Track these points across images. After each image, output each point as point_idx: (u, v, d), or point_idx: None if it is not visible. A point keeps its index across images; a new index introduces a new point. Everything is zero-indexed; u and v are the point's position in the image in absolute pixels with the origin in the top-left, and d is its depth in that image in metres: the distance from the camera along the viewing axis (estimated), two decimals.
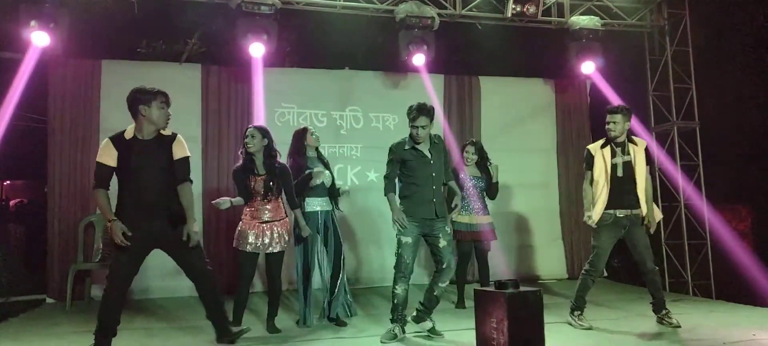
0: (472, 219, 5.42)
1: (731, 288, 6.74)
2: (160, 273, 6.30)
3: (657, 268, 4.60)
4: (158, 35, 8.12)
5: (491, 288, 2.92)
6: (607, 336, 4.25)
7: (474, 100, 7.38)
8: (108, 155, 3.61)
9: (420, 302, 4.24)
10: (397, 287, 4.10)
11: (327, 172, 4.85)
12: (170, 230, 3.63)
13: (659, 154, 7.34)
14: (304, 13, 6.70)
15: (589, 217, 4.47)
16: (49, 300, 6.02)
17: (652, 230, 4.54)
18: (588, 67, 6.99)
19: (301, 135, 4.92)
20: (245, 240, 4.39)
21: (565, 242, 7.48)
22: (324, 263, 4.84)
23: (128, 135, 3.68)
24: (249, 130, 4.59)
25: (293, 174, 4.68)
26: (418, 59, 6.51)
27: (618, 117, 4.48)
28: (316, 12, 6.69)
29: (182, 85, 6.60)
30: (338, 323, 4.76)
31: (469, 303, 5.33)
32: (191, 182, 3.74)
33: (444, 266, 4.14)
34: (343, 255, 4.86)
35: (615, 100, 6.92)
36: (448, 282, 4.18)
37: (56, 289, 6.00)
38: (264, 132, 4.58)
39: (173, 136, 3.74)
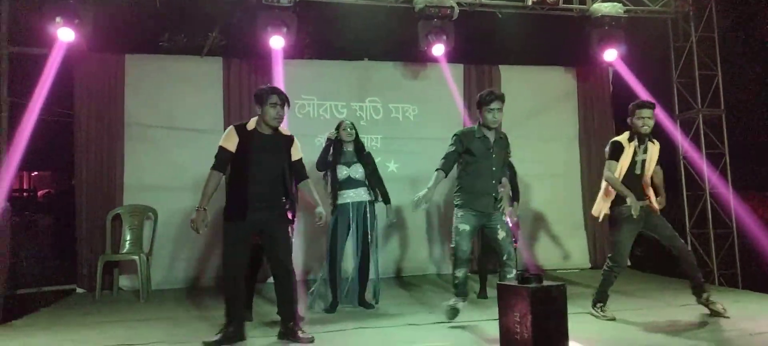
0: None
1: (758, 277, 6.65)
2: (186, 263, 6.44)
3: (689, 247, 4.54)
4: (180, 29, 8.20)
5: (514, 282, 2.93)
6: (630, 327, 4.22)
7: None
8: (230, 141, 3.80)
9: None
10: (457, 271, 4.26)
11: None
12: (271, 222, 3.82)
13: (684, 143, 7.24)
14: (323, 5, 6.70)
15: (632, 206, 4.25)
16: (78, 290, 6.18)
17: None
18: (610, 55, 6.89)
19: (337, 129, 5.10)
20: None
21: (587, 231, 7.44)
22: (353, 253, 4.96)
23: (250, 126, 3.87)
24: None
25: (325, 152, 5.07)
26: (438, 49, 6.49)
27: (652, 112, 4.38)
28: (334, 3, 6.69)
29: (204, 78, 6.69)
30: (367, 307, 4.96)
31: (491, 292, 5.36)
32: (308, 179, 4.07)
33: (505, 258, 4.22)
34: (376, 244, 4.99)
35: (638, 88, 6.84)
36: (514, 273, 4.19)
37: (85, 279, 6.16)
38: None
39: (292, 138, 4.00)
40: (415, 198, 4.14)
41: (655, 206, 4.44)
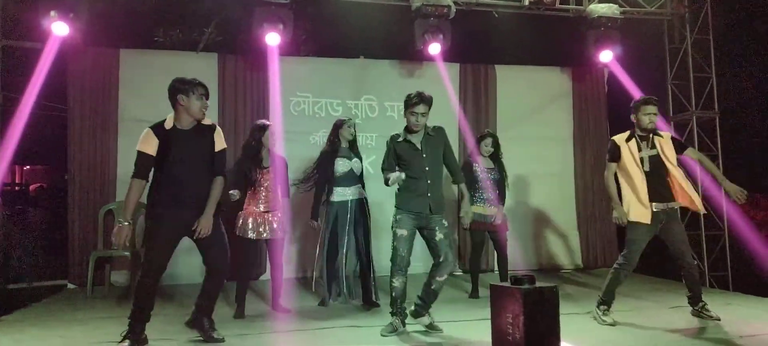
0: (485, 209, 5.41)
1: (749, 280, 6.68)
2: (177, 260, 6.41)
3: (696, 262, 4.50)
4: (175, 24, 8.17)
5: (507, 283, 2.93)
6: (622, 328, 4.24)
7: (490, 89, 7.35)
8: (149, 144, 3.62)
9: (418, 296, 4.17)
10: (394, 280, 4.04)
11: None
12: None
13: None
14: (320, 2, 6.69)
15: (619, 216, 4.30)
16: (70, 286, 6.15)
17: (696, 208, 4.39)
18: (606, 56, 6.92)
19: (337, 127, 5.09)
20: (247, 228, 4.62)
21: (580, 231, 7.46)
22: (350, 251, 4.97)
23: (168, 125, 3.70)
24: (269, 125, 4.78)
25: (320, 162, 5.01)
26: (434, 48, 6.49)
27: (656, 108, 4.34)
28: (331, 1, 6.68)
29: (198, 73, 6.45)
30: (371, 305, 4.96)
31: (483, 292, 5.38)
32: (225, 176, 3.79)
33: (441, 260, 4.03)
34: (370, 242, 5.02)
35: (633, 89, 6.85)
36: (446, 276, 4.06)
37: (77, 275, 6.13)
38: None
39: (213, 127, 3.77)
40: (394, 179, 4.02)
41: (697, 205, 4.31)
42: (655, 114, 4.33)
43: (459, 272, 6.97)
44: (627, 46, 6.96)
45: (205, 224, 3.61)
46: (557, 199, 7.44)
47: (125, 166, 6.34)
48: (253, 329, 4.27)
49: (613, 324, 4.29)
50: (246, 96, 6.70)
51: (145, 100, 6.49)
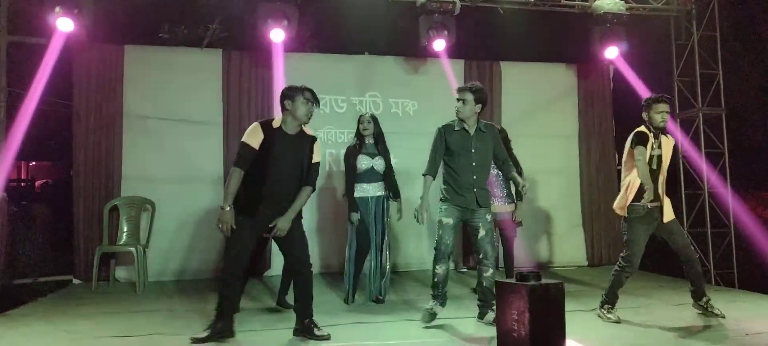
0: (494, 207, 5.37)
1: (755, 277, 6.66)
2: (183, 255, 6.44)
3: (698, 256, 4.45)
4: (180, 20, 8.18)
5: (513, 280, 2.92)
6: (627, 325, 4.22)
7: (495, 86, 7.32)
8: (254, 138, 3.71)
9: (477, 299, 4.27)
10: (437, 266, 4.16)
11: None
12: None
13: (683, 141, 7.24)
14: None
15: (642, 205, 4.18)
16: (75, 281, 6.17)
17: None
18: (611, 52, 6.88)
19: (357, 123, 5.15)
20: None
21: (585, 229, 7.43)
22: (373, 248, 5.01)
23: (275, 124, 3.78)
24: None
25: (344, 158, 5.09)
26: (439, 44, 6.47)
27: (668, 106, 4.31)
28: None
29: (203, 70, 6.67)
30: (377, 302, 5.01)
31: None
32: (314, 188, 3.85)
33: (481, 257, 4.16)
34: (387, 239, 5.05)
35: (638, 86, 6.82)
36: (492, 272, 4.15)
37: (82, 270, 6.14)
38: None
39: (314, 139, 3.86)
40: (416, 213, 4.17)
41: (667, 209, 4.31)
42: (667, 112, 4.31)
43: (464, 269, 6.96)
44: (633, 42, 6.93)
45: (282, 225, 3.70)
46: (562, 196, 7.41)
47: (130, 161, 6.38)
48: (260, 325, 4.26)
49: (617, 321, 4.28)
50: (250, 92, 6.70)
51: (149, 96, 6.51)
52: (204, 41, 7.00)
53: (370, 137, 5.04)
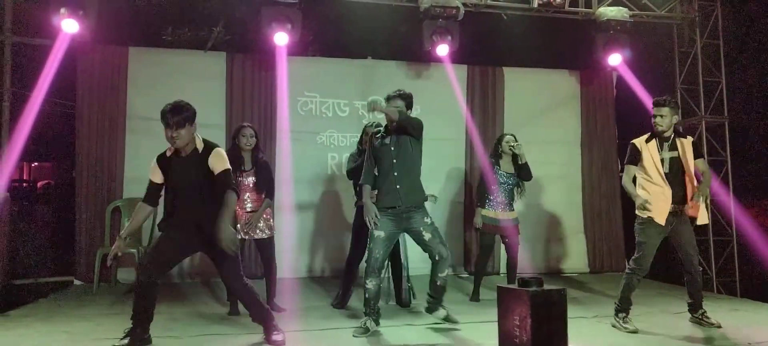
0: (496, 214, 5.37)
1: (757, 286, 6.64)
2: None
3: (701, 269, 4.39)
4: (183, 23, 8.18)
5: (515, 285, 2.92)
6: (627, 333, 4.20)
7: (498, 92, 7.32)
8: (154, 173, 3.69)
9: (427, 293, 4.26)
10: (367, 281, 4.06)
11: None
12: (206, 246, 3.65)
13: None
14: (328, 2, 6.69)
15: (642, 202, 4.14)
16: (76, 282, 6.17)
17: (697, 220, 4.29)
18: (615, 59, 6.89)
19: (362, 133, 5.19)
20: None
21: (587, 235, 7.42)
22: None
23: (168, 153, 3.70)
24: (246, 128, 4.81)
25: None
26: (442, 49, 6.48)
27: (665, 110, 4.25)
28: (339, 1, 6.68)
29: (207, 72, 6.68)
30: (404, 305, 5.04)
31: (485, 295, 5.35)
32: (235, 191, 3.64)
33: (436, 259, 4.10)
34: (404, 244, 5.08)
35: (641, 93, 6.82)
36: (447, 272, 4.12)
37: (83, 271, 6.14)
38: (255, 131, 4.87)
39: (208, 151, 3.63)
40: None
41: (690, 210, 4.23)
42: (662, 116, 4.25)
43: (465, 275, 6.94)
44: (636, 49, 6.93)
45: (221, 237, 3.57)
46: (564, 202, 7.40)
47: (132, 164, 6.38)
48: (245, 329, 4.25)
49: (634, 331, 4.18)
50: (253, 95, 6.71)
51: (153, 98, 6.48)
52: (208, 44, 6.99)
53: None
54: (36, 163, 13.55)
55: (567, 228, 7.39)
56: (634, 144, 4.39)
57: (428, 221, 4.12)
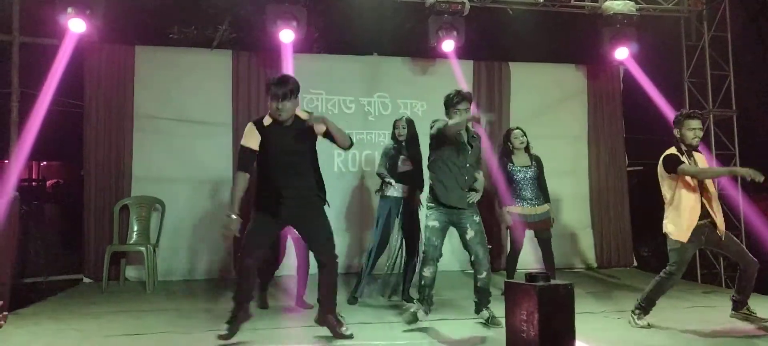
0: (523, 209, 5.29)
1: (765, 280, 6.58)
2: (193, 255, 6.47)
3: (758, 265, 4.25)
4: (190, 21, 8.22)
5: (522, 280, 2.92)
6: (636, 327, 4.19)
7: (504, 87, 7.30)
8: (252, 139, 3.68)
9: (474, 298, 4.28)
10: (424, 269, 4.15)
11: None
12: (304, 217, 3.75)
13: None
14: None
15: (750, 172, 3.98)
16: (85, 280, 6.21)
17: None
18: (621, 53, 6.84)
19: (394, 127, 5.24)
20: None
21: (594, 230, 7.39)
22: (397, 246, 5.09)
23: (266, 122, 3.72)
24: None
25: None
26: (448, 45, 6.46)
27: (700, 123, 4.18)
28: None
29: (213, 70, 6.70)
30: (409, 301, 5.02)
31: (493, 291, 5.33)
32: (239, 171, 3.67)
33: (472, 259, 4.15)
34: (420, 240, 5.05)
35: (649, 87, 6.79)
36: (485, 273, 4.13)
37: (92, 269, 6.18)
38: None
39: (310, 123, 3.70)
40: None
41: (719, 223, 4.15)
42: (700, 129, 4.16)
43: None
44: (643, 43, 6.89)
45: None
46: (571, 197, 7.37)
47: (140, 161, 6.42)
48: (268, 324, 4.27)
49: (647, 326, 4.15)
50: (259, 93, 6.71)
51: (160, 96, 6.55)
52: (214, 42, 7.03)
53: (404, 139, 5.10)
54: (45, 163, 13.64)
55: (574, 223, 7.36)
56: (674, 153, 4.13)
57: (477, 219, 4.17)
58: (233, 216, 3.57)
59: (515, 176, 5.29)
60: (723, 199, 7.02)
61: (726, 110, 7.14)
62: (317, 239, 3.79)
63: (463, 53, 6.77)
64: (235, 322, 3.73)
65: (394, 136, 5.15)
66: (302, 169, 3.70)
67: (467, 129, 4.22)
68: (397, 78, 7.13)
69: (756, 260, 4.29)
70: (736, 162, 7.08)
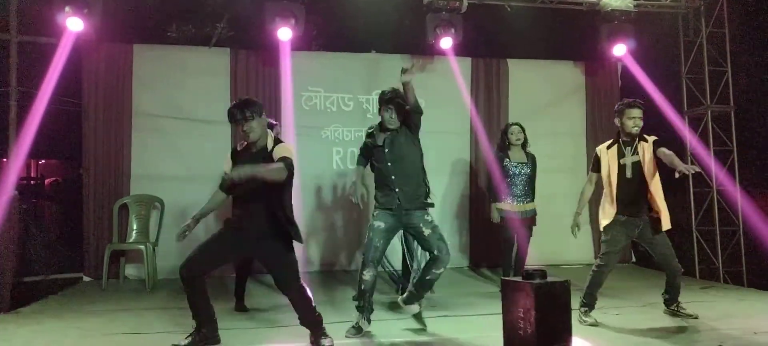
0: (513, 206, 5.34)
1: (764, 276, 6.62)
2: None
3: (682, 270, 4.33)
4: (188, 19, 8.20)
5: (519, 278, 2.94)
6: (632, 323, 4.22)
7: (502, 84, 7.31)
8: (227, 164, 3.67)
9: (412, 285, 4.17)
10: (364, 272, 3.94)
11: None
12: (261, 253, 3.71)
13: (691, 139, 7.20)
14: None
15: (574, 223, 4.43)
16: (85, 278, 6.23)
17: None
18: (619, 50, 6.86)
19: None
20: None
21: (593, 227, 7.40)
22: (413, 249, 5.12)
23: (239, 146, 3.72)
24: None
25: None
26: (446, 42, 6.47)
27: (640, 112, 4.17)
28: None
29: (211, 68, 6.70)
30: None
31: (491, 288, 5.37)
32: (288, 170, 3.44)
33: (436, 254, 3.98)
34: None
35: (646, 83, 6.80)
36: (442, 269, 3.99)
37: (92, 268, 6.20)
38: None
39: (273, 147, 3.57)
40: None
41: (662, 221, 4.15)
42: (639, 118, 4.17)
43: (466, 266, 6.96)
44: (641, 39, 6.89)
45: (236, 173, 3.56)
46: (570, 194, 7.32)
47: (139, 160, 6.43)
48: (254, 323, 4.30)
49: (594, 324, 4.17)
50: (258, 91, 6.71)
51: (158, 94, 6.56)
52: (212, 40, 7.00)
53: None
54: (43, 161, 13.63)
55: (573, 220, 7.36)
56: (596, 152, 4.40)
57: (429, 218, 4.03)
58: (194, 215, 3.64)
59: (510, 172, 5.34)
60: (721, 195, 7.07)
61: (724, 106, 7.15)
62: (278, 276, 3.64)
63: (461, 50, 6.77)
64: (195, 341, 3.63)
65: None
66: (264, 198, 3.50)
67: (379, 129, 4.14)
68: (395, 75, 6.99)
69: (681, 267, 4.33)
70: (733, 157, 7.09)
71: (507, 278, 3.20)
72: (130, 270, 6.27)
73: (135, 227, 6.11)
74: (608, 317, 4.44)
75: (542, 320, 2.74)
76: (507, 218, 5.38)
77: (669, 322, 4.25)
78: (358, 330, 3.94)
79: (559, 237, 7.30)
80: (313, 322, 3.67)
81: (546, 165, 7.14)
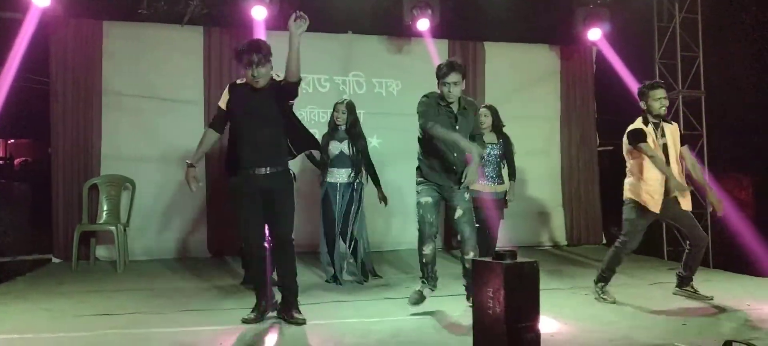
0: (482, 187, 5.34)
1: (730, 258, 6.77)
2: (164, 234, 6.41)
3: (707, 239, 4.29)
4: None
5: (489, 258, 2.97)
6: (602, 303, 4.30)
7: (478, 66, 7.32)
8: (223, 99, 3.72)
9: (464, 282, 4.16)
10: (423, 247, 3.99)
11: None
12: (270, 190, 3.64)
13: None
14: None
15: (676, 186, 4.08)
16: (55, 260, 6.13)
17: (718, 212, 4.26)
18: (594, 34, 6.92)
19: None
20: None
21: (565, 209, 7.52)
22: (339, 230, 5.08)
23: (240, 81, 3.75)
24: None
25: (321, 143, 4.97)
26: (423, 24, 6.45)
27: (665, 92, 4.17)
28: None
29: (184, 47, 6.59)
30: (367, 279, 5.14)
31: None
32: (208, 128, 3.79)
33: (460, 239, 4.02)
34: (356, 225, 5.08)
35: (620, 68, 6.87)
36: (473, 253, 3.95)
37: (62, 249, 6.10)
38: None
39: (280, 82, 3.68)
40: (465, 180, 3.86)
41: (683, 200, 4.19)
42: (665, 97, 4.18)
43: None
44: (615, 24, 6.95)
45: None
46: (543, 176, 7.47)
47: (109, 140, 6.30)
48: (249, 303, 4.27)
49: (613, 302, 4.23)
50: (231, 70, 6.62)
51: (129, 73, 6.43)
52: (184, 18, 6.86)
53: (343, 124, 5.07)
54: (12, 140, 13.31)
55: (547, 202, 7.48)
56: (638, 128, 4.17)
57: (467, 197, 4.01)
58: (188, 161, 3.64)
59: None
60: (690, 179, 7.18)
61: (695, 91, 7.27)
62: (279, 219, 3.64)
63: (438, 32, 6.76)
64: (257, 310, 3.70)
65: (332, 120, 5.12)
66: (272, 135, 3.59)
67: (459, 100, 3.99)
68: (372, 57, 7.09)
69: (706, 235, 4.37)
70: (703, 142, 7.22)
71: (478, 259, 3.23)
72: (100, 252, 6.18)
73: (105, 207, 6.01)
74: (576, 296, 4.51)
75: (511, 299, 2.77)
76: (478, 198, 5.37)
77: (638, 301, 4.31)
78: (419, 296, 4.00)
79: (532, 219, 7.43)
80: (292, 287, 3.72)
81: (520, 147, 7.15)
